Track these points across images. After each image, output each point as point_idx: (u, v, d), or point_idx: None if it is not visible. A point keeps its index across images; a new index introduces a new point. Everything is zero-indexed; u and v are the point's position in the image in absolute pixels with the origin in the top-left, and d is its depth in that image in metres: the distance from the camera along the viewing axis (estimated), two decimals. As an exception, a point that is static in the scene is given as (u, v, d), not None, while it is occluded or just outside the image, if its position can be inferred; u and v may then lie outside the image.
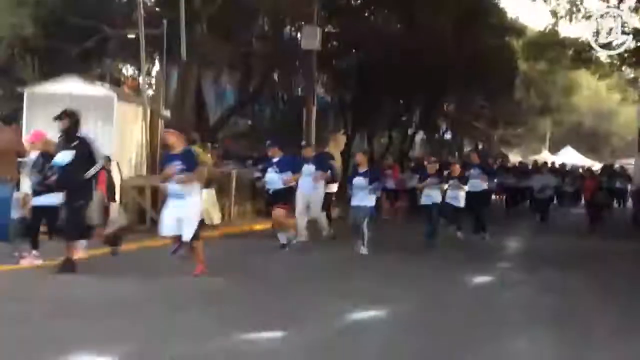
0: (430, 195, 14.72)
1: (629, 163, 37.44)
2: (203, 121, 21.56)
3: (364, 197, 13.32)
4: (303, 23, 23.59)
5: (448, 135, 41.43)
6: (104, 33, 18.60)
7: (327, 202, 15.56)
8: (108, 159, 13.61)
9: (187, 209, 10.02)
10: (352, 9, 26.43)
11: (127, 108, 15.52)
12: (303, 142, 16.06)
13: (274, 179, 13.09)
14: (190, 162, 10.13)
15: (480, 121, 39.16)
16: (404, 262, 12.77)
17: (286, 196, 13.24)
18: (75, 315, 7.59)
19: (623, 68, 34.67)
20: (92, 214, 12.87)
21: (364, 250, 13.22)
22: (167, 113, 17.35)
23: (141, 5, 16.76)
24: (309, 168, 14.46)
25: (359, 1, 26.62)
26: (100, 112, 14.43)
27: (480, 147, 44.57)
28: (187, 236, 10.08)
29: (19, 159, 12.73)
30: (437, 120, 36.97)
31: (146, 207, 15.04)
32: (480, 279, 11.25)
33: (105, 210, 13.49)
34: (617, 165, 33.36)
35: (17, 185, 12.87)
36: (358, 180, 13.47)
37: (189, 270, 10.26)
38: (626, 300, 9.87)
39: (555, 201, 27.57)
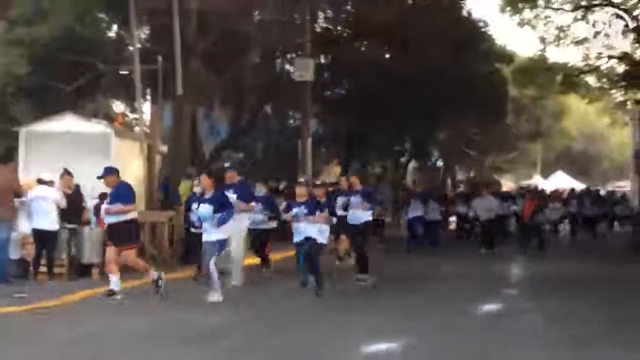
0: (303, 230, 11.59)
1: (621, 186, 37.66)
2: (198, 155, 21.47)
3: (211, 230, 10.88)
4: (294, 55, 23.75)
5: (440, 163, 41.52)
6: (98, 70, 18.58)
7: (262, 240, 13.66)
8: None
9: None
10: (344, 39, 26.52)
11: (124, 144, 15.46)
12: (226, 164, 13.85)
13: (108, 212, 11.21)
14: None
15: (472, 148, 39.28)
16: (406, 294, 12.53)
17: (123, 233, 11.08)
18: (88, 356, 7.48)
19: (612, 91, 35.00)
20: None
21: (214, 296, 10.71)
22: (164, 148, 17.33)
23: (136, 41, 16.81)
24: (230, 197, 12.07)
25: (349, 32, 26.68)
26: (98, 148, 14.37)
27: (472, 174, 44.79)
28: None
29: (16, 199, 12.67)
30: (429, 148, 37.08)
31: (145, 243, 14.89)
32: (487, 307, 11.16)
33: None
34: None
35: (15, 225, 12.82)
36: (202, 209, 10.97)
37: (191, 306, 10.18)
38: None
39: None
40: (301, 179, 13.18)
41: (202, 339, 8.51)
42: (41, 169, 13.50)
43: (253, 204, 12.75)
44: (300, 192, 11.76)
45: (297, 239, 11.74)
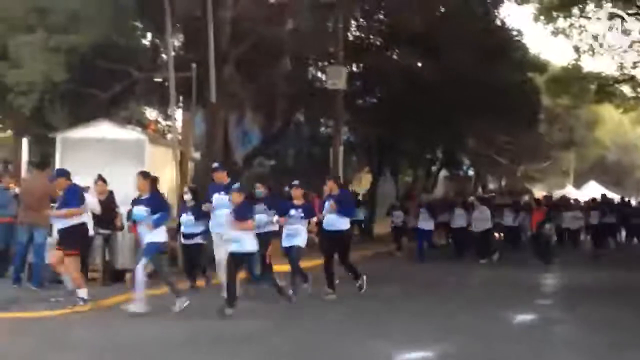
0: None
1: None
2: (230, 162, 21.57)
3: (148, 232, 10.42)
4: (327, 63, 23.80)
5: (471, 172, 41.29)
6: (133, 77, 18.76)
7: (264, 244, 11.91)
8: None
9: None
10: (376, 48, 26.54)
11: (158, 151, 15.61)
12: (215, 164, 12.62)
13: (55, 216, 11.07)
14: None
15: (504, 157, 39.02)
16: (438, 302, 12.56)
17: (70, 237, 10.77)
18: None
19: (647, 101, 34.62)
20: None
21: (136, 307, 10.17)
22: (197, 155, 17.45)
23: (171, 49, 16.97)
24: (221, 198, 11.45)
25: (381, 40, 26.70)
26: (132, 155, 14.52)
27: (504, 183, 44.44)
28: None
29: (52, 204, 12.83)
30: (460, 157, 36.91)
31: (177, 250, 14.97)
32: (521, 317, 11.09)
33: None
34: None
35: (51, 231, 12.97)
36: (137, 210, 10.69)
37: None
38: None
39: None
40: (296, 182, 12.40)
41: (234, 343, 8.57)
42: (76, 175, 13.66)
43: None
44: (234, 198, 10.77)
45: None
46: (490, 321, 10.59)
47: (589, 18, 30.61)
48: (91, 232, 12.79)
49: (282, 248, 12.40)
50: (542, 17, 30.24)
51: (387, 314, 11.06)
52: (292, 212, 12.00)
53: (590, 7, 30.00)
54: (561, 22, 30.71)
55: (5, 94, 16.74)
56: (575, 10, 30.02)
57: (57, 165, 15.16)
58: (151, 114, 29.19)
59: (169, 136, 22.44)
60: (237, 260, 10.51)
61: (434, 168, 35.35)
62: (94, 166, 13.62)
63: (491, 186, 44.15)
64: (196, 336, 8.97)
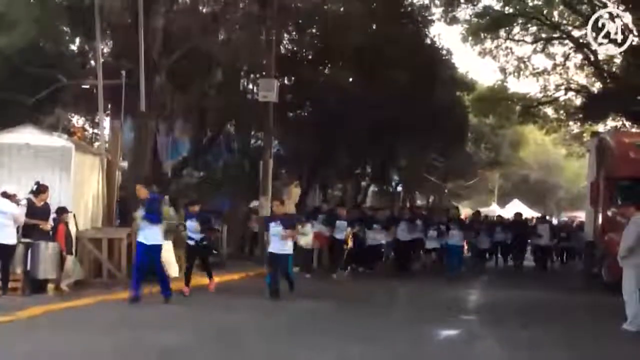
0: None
1: (575, 216, 38.34)
2: (158, 173, 21.29)
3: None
4: (258, 75, 23.73)
5: (400, 188, 41.71)
6: (60, 83, 18.34)
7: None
8: (65, 211, 13.38)
9: None
10: (308, 62, 26.63)
11: (84, 159, 15.24)
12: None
13: None
14: None
15: (432, 174, 39.58)
16: (366, 316, 12.58)
17: None
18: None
19: (570, 123, 35.76)
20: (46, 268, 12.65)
21: None
22: (124, 164, 17.15)
23: (100, 55, 16.67)
24: None
25: (314, 54, 26.83)
26: (58, 162, 14.13)
27: (431, 199, 45.09)
28: None
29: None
30: (389, 173, 37.23)
31: (102, 260, 14.68)
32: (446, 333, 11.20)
33: (62, 263, 13.21)
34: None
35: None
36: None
37: (154, 324, 10.03)
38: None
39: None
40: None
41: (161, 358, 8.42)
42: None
43: None
44: None
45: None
46: (416, 337, 10.66)
47: (516, 41, 31.54)
48: (14, 240, 12.46)
49: None
50: (470, 38, 31.00)
51: (313, 329, 10.99)
52: None
53: (517, 29, 30.92)
54: (488, 44, 31.60)
55: None
56: (502, 32, 30.88)
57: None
58: (78, 121, 28.59)
59: (97, 144, 22.01)
60: None
61: (363, 183, 35.58)
62: (16, 173, 13.23)
63: (419, 202, 44.70)
64: (124, 346, 8.77)
